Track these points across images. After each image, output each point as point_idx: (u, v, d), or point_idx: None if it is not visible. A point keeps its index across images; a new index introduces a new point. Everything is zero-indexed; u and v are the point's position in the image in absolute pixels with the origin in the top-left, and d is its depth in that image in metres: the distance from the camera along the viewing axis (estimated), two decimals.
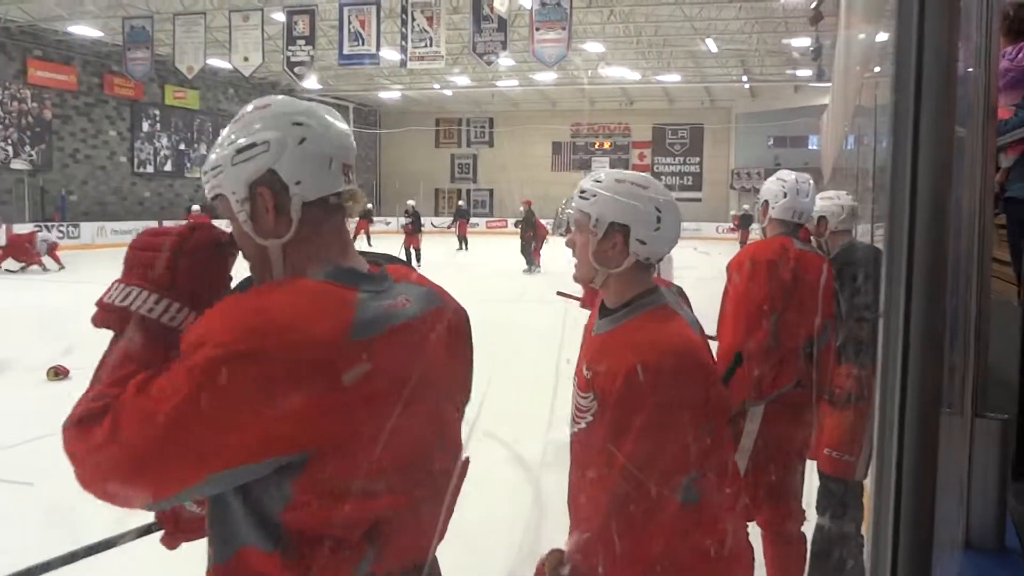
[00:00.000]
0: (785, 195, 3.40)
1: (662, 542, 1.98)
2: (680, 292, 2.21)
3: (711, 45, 29.68)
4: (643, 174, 2.13)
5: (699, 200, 38.50)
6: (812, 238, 4.05)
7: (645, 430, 1.90)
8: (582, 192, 2.09)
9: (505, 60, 25.29)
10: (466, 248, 27.52)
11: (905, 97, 0.83)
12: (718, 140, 39.98)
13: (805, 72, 31.27)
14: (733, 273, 3.38)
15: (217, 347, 1.24)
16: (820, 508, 3.80)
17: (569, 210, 2.15)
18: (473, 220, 33.06)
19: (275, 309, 1.31)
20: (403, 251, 20.75)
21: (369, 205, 32.42)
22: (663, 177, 40.18)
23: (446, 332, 1.50)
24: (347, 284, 1.39)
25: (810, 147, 36.70)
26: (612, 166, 41.23)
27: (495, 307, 12.69)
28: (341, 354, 1.29)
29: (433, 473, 1.48)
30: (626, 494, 1.93)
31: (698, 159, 40.79)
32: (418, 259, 21.00)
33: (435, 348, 1.46)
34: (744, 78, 35.31)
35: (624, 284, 2.06)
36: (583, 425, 2.01)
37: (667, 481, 1.95)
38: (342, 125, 1.50)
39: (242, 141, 1.42)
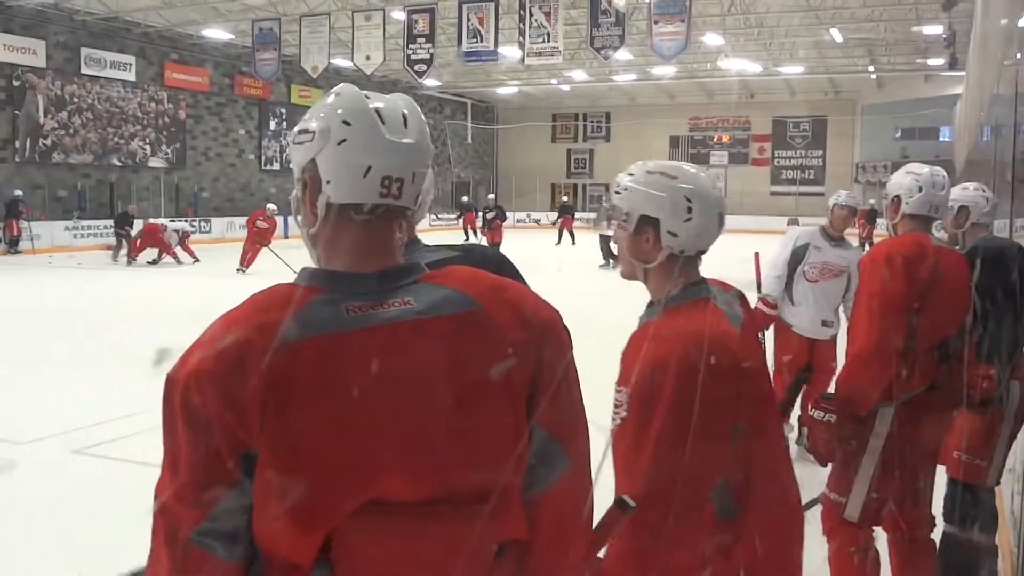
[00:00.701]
0: (920, 189, 3.25)
1: (692, 559, 1.86)
2: (739, 294, 2.10)
3: (836, 35, 28.75)
4: (678, 163, 2.04)
5: (821, 194, 37.44)
6: (945, 231, 3.91)
7: (663, 429, 1.82)
8: (617, 187, 2.04)
9: (622, 54, 25.10)
10: (572, 242, 27.34)
11: None
12: (842, 133, 38.76)
13: (937, 60, 29.94)
14: (866, 271, 3.27)
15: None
16: (947, 515, 3.66)
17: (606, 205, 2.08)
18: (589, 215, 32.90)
19: (226, 315, 1.31)
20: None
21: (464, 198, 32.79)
22: (784, 171, 39.29)
23: (446, 337, 1.31)
24: (313, 284, 1.33)
25: (941, 139, 35.21)
26: (731, 160, 40.55)
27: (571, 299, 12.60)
28: (268, 360, 1.23)
29: (414, 504, 1.28)
30: (650, 504, 1.77)
31: (821, 152, 39.63)
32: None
33: (415, 355, 1.29)
34: (871, 68, 34.11)
35: (662, 278, 1.99)
36: (618, 421, 1.90)
37: (691, 489, 1.85)
38: (405, 138, 1.36)
39: (301, 125, 1.41)
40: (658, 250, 1.95)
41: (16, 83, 24.16)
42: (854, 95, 38.23)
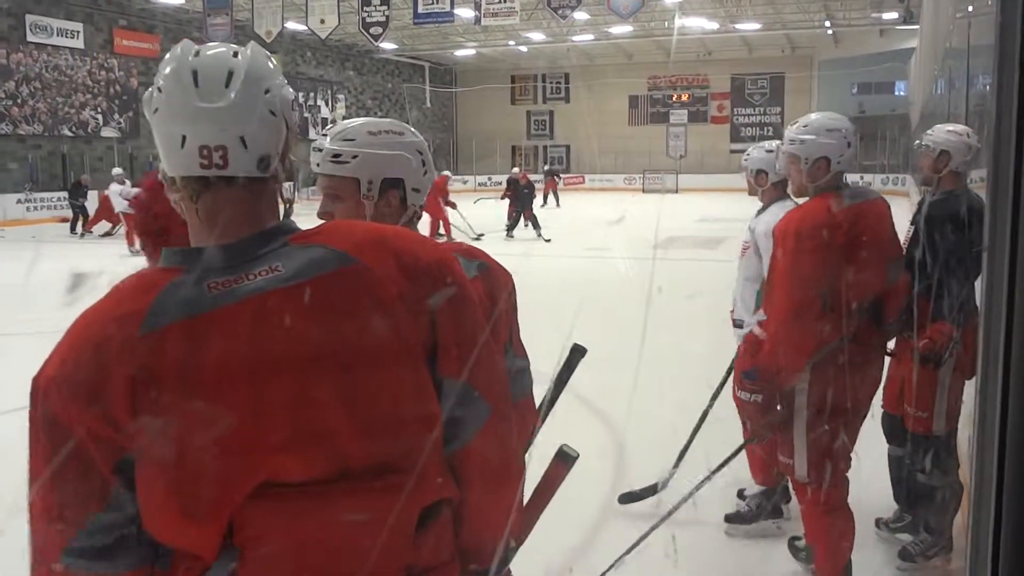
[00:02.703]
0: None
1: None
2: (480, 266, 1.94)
3: None
4: (370, 119, 1.90)
5: None
6: (920, 172, 3.88)
7: None
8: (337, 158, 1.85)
9: (580, 14, 24.97)
10: (557, 204, 27.31)
11: (1010, 37, 0.81)
12: (799, 89, 38.92)
13: (891, 15, 30.15)
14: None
15: None
16: (912, 464, 3.74)
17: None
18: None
19: (86, 311, 1.24)
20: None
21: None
22: (743, 129, 39.45)
23: (322, 300, 1.22)
24: (172, 265, 1.25)
25: (897, 93, 35.54)
26: (690, 119, 40.65)
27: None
28: (131, 353, 1.16)
29: (313, 482, 1.21)
30: None
31: (779, 109, 39.82)
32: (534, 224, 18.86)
33: (289, 325, 1.20)
34: (827, 23, 34.22)
35: None
36: None
37: None
38: (221, 100, 1.22)
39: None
40: (402, 213, 1.85)
41: None
42: (811, 51, 38.37)
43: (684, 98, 41.61)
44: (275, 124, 1.29)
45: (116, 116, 28.02)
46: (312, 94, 36.11)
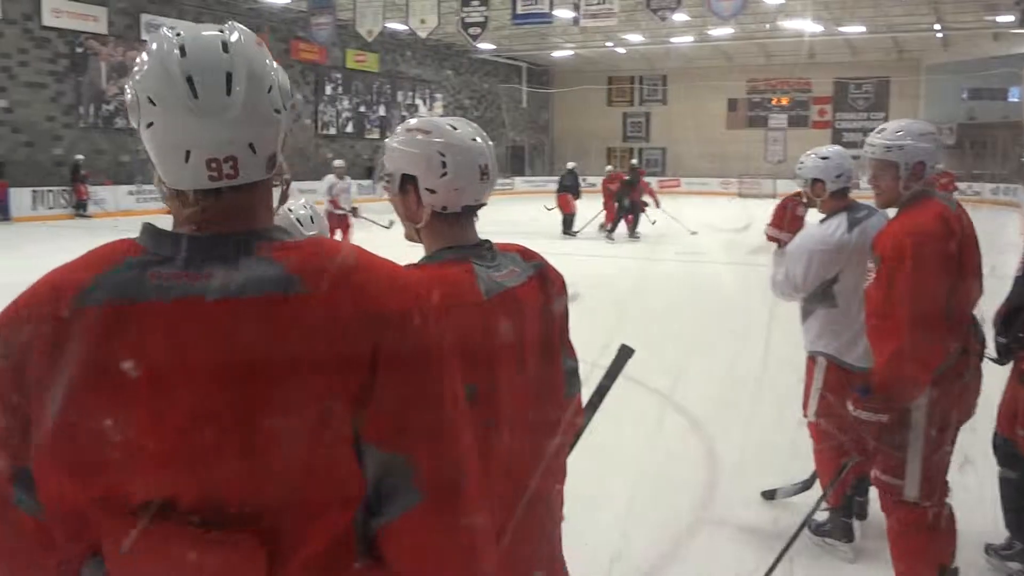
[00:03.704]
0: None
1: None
2: (537, 266, 1.96)
3: None
4: (439, 119, 1.88)
5: None
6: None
7: None
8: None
9: (679, 15, 24.72)
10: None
11: None
12: (905, 94, 37.71)
13: (1006, 17, 28.94)
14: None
15: None
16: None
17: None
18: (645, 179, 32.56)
19: (54, 268, 1.23)
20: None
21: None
22: (845, 134, 38.42)
23: (247, 323, 1.12)
24: (140, 242, 1.20)
25: (1010, 99, 34.14)
26: (790, 123, 39.84)
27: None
28: (56, 322, 1.14)
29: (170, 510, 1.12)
30: None
31: (883, 114, 38.57)
32: (568, 226, 19.57)
33: (201, 340, 1.11)
34: (936, 26, 33.07)
35: (431, 239, 1.88)
36: None
37: None
38: (228, 110, 1.14)
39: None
40: (421, 208, 1.85)
41: (79, 50, 24.56)
42: (919, 54, 37.16)
43: (784, 102, 40.78)
44: (280, 121, 1.23)
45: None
46: (411, 93, 36.60)
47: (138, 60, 1.19)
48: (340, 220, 13.51)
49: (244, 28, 1.24)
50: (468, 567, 1.22)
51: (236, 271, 1.13)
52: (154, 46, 1.17)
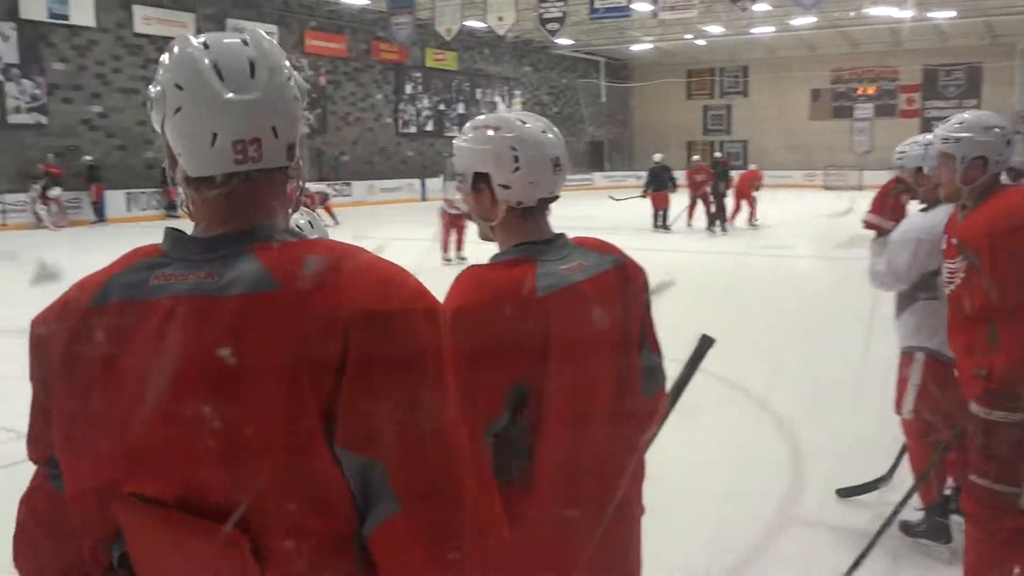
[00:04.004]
0: None
1: None
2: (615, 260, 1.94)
3: None
4: (508, 114, 1.88)
5: None
6: None
7: None
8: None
9: (760, 6, 24.31)
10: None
11: None
12: (999, 80, 36.39)
13: None
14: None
15: None
16: None
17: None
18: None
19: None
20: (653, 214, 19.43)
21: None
22: (935, 123, 37.12)
23: (225, 320, 1.13)
24: (159, 244, 1.24)
25: None
26: (877, 113, 38.87)
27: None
28: (77, 319, 1.21)
29: (168, 502, 1.15)
30: None
31: (976, 102, 37.31)
32: (664, 220, 19.48)
33: (184, 338, 1.14)
34: None
35: (506, 235, 1.87)
36: None
37: None
38: (251, 91, 1.18)
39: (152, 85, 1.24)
40: (496, 205, 1.83)
41: None
42: (1013, 39, 35.77)
43: (870, 91, 39.76)
44: (298, 110, 1.25)
45: (306, 113, 29.35)
46: (489, 90, 36.77)
47: (160, 60, 1.23)
48: (455, 219, 13.42)
49: (262, 33, 1.28)
50: (452, 568, 1.16)
51: (229, 270, 1.15)
52: (176, 47, 1.22)
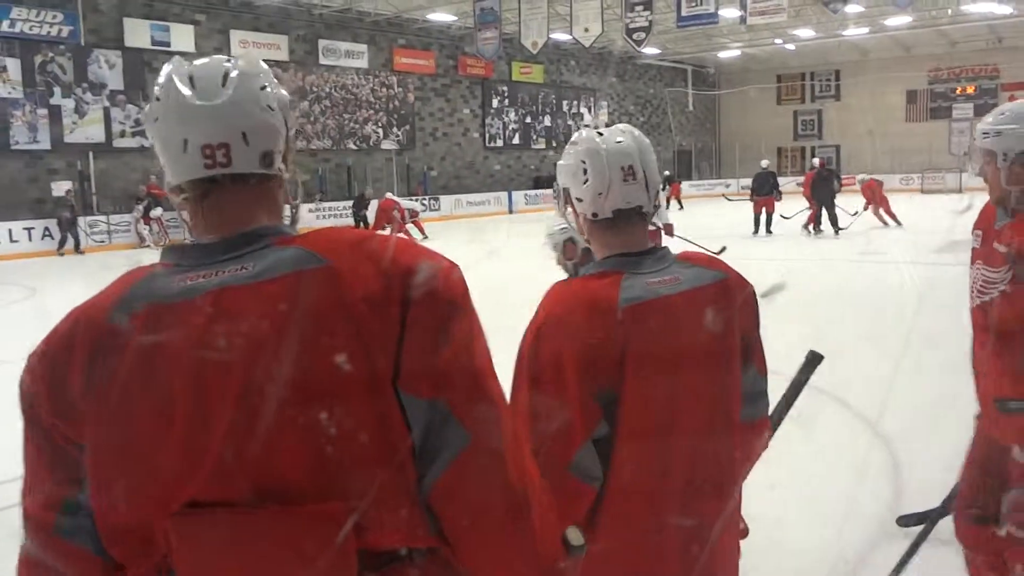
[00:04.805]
0: None
1: None
2: (719, 278, 1.90)
3: None
4: (597, 129, 1.89)
5: None
6: None
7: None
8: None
9: (852, 7, 23.78)
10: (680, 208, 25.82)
11: None
12: None
13: None
14: None
15: None
16: None
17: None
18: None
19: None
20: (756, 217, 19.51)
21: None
22: None
23: (279, 300, 1.16)
24: (165, 260, 1.25)
25: None
26: (976, 112, 37.46)
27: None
28: (96, 335, 1.19)
29: (239, 504, 1.14)
30: None
31: None
32: (767, 225, 19.52)
33: (238, 326, 1.15)
34: None
35: (597, 248, 1.89)
36: None
37: None
38: (218, 98, 1.22)
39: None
40: (580, 219, 1.86)
41: None
42: None
43: (970, 90, 38.43)
44: (274, 120, 1.27)
45: (395, 130, 29.94)
46: (575, 102, 36.78)
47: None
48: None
49: (255, 57, 1.34)
50: (524, 519, 1.22)
51: (262, 260, 1.19)
52: (172, 64, 1.28)
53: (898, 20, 31.45)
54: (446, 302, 1.21)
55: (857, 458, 5.04)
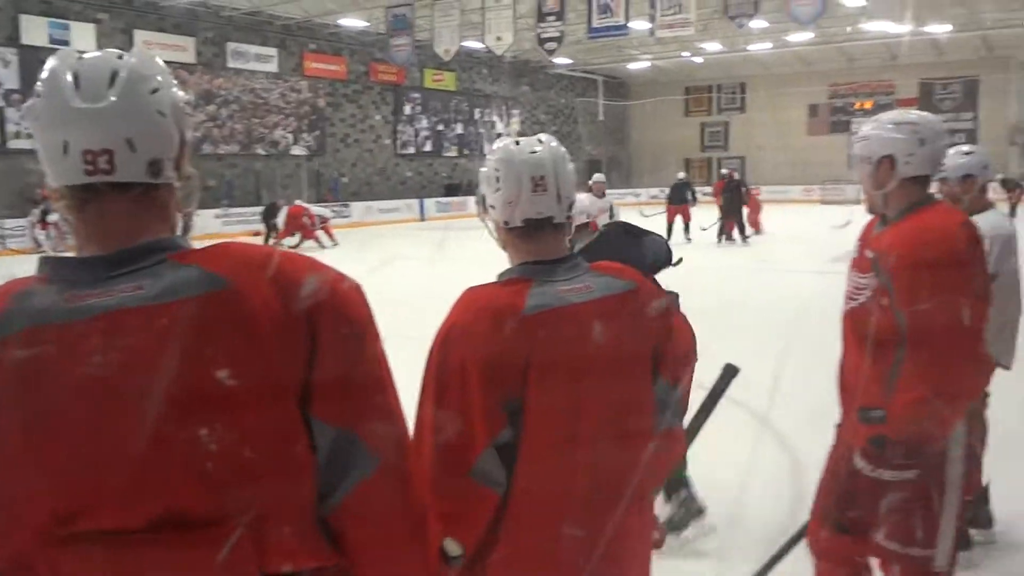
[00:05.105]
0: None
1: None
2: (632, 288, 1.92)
3: None
4: (513, 139, 1.92)
5: None
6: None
7: None
8: None
9: (757, 23, 24.41)
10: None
11: None
12: (996, 92, 36.52)
13: None
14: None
15: None
16: None
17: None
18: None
19: None
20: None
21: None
22: None
23: (178, 326, 1.10)
24: (41, 273, 1.18)
25: None
26: None
27: None
28: None
29: (132, 531, 1.09)
30: None
31: (972, 115, 37.50)
32: (685, 231, 20.28)
33: (136, 350, 1.10)
34: None
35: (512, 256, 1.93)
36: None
37: None
38: (102, 101, 1.14)
39: None
40: (494, 226, 1.91)
41: None
42: (1010, 51, 35.88)
43: (867, 105, 39.81)
44: (165, 126, 1.18)
45: (305, 135, 29.54)
46: (488, 110, 36.88)
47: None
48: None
49: (149, 54, 1.26)
50: (422, 535, 1.27)
51: (158, 279, 1.12)
52: (58, 57, 1.20)
53: (800, 36, 32.40)
54: (352, 326, 1.20)
55: (757, 460, 5.15)
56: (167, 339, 1.09)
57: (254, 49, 27.77)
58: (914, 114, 2.68)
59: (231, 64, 27.09)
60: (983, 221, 3.67)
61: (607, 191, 12.50)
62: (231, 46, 26.97)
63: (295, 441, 1.15)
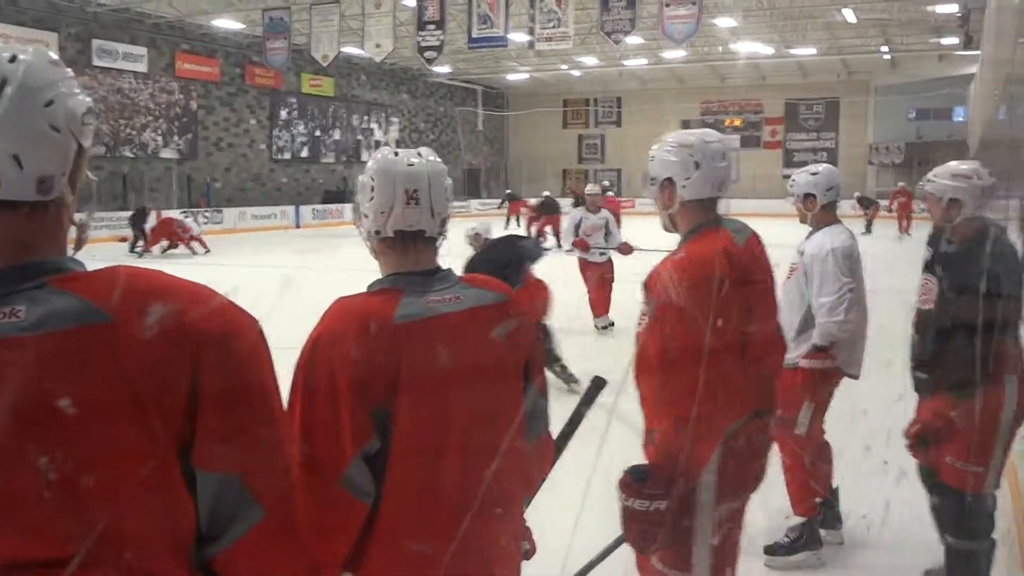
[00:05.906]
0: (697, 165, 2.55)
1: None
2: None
3: (849, 15, 28.52)
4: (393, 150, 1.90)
5: None
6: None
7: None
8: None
9: (633, 39, 25.00)
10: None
11: None
12: (855, 114, 38.52)
13: (951, 40, 29.70)
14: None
15: None
16: (946, 526, 3.45)
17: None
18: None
19: None
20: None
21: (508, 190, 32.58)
22: (796, 154, 39.01)
23: (49, 360, 1.04)
24: None
25: (955, 119, 34.95)
26: (743, 144, 40.37)
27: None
28: None
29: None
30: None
31: (833, 135, 39.40)
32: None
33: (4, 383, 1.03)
34: (884, 48, 33.78)
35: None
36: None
37: None
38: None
39: None
40: (366, 234, 1.90)
41: None
42: (867, 76, 37.95)
43: (737, 123, 41.34)
44: (58, 141, 1.11)
45: (176, 138, 28.63)
46: (366, 117, 36.57)
47: None
48: (597, 270, 9.81)
49: (50, 54, 1.18)
50: (307, 571, 1.25)
51: (35, 305, 1.05)
52: None
53: (674, 54, 33.37)
54: (242, 370, 1.14)
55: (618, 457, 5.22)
56: (38, 374, 1.02)
57: (122, 47, 26.75)
58: (693, 135, 2.59)
59: (97, 62, 26.03)
60: (821, 236, 3.97)
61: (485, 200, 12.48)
62: (97, 43, 25.92)
63: (171, 488, 1.09)
